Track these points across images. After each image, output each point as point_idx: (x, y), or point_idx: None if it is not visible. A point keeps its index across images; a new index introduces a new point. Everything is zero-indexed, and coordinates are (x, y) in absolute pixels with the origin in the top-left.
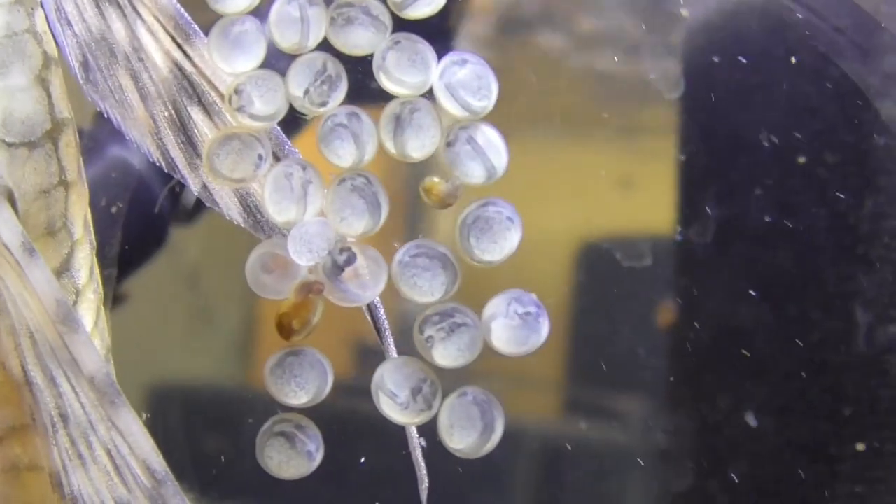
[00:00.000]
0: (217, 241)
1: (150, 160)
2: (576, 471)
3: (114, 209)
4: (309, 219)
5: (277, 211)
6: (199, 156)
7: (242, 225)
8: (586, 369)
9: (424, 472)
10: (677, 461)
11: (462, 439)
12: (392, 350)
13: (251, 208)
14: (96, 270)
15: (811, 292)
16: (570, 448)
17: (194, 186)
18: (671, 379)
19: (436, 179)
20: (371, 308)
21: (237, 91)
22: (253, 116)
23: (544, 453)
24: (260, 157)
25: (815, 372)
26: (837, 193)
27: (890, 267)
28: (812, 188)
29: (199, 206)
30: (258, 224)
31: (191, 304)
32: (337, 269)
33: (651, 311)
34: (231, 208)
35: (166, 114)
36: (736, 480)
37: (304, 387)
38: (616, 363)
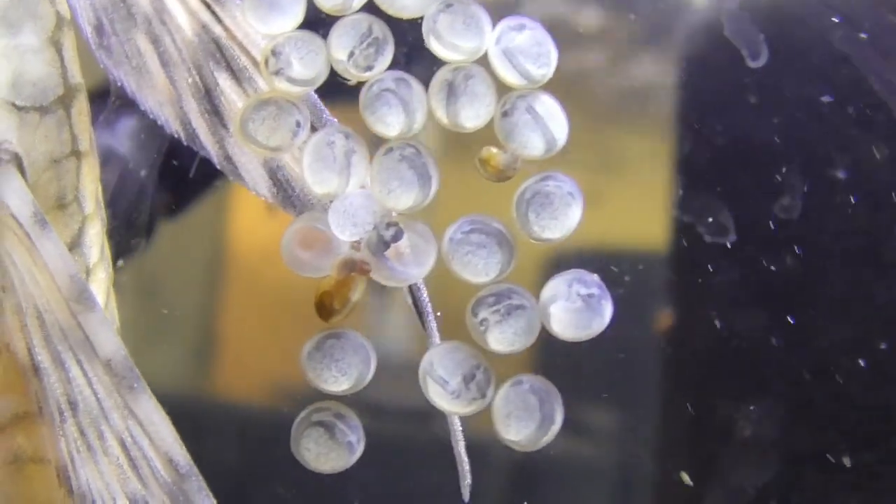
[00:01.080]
0: (178, 247)
1: (168, 131)
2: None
3: (143, 173)
4: (352, 191)
5: (317, 182)
6: (224, 126)
7: (270, 200)
8: (573, 379)
9: (467, 467)
10: (677, 471)
11: (520, 431)
12: (435, 335)
13: (281, 182)
14: (107, 249)
15: (819, 297)
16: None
17: (217, 158)
18: (669, 388)
19: (493, 150)
20: (413, 290)
21: (275, 53)
22: (291, 80)
23: (520, 468)
24: (298, 124)
25: (821, 379)
26: (848, 197)
27: None
28: (822, 191)
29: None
30: (289, 199)
31: (151, 310)
32: (383, 245)
33: (644, 320)
34: (258, 182)
35: (189, 80)
36: (738, 490)
37: (345, 372)
38: (607, 373)
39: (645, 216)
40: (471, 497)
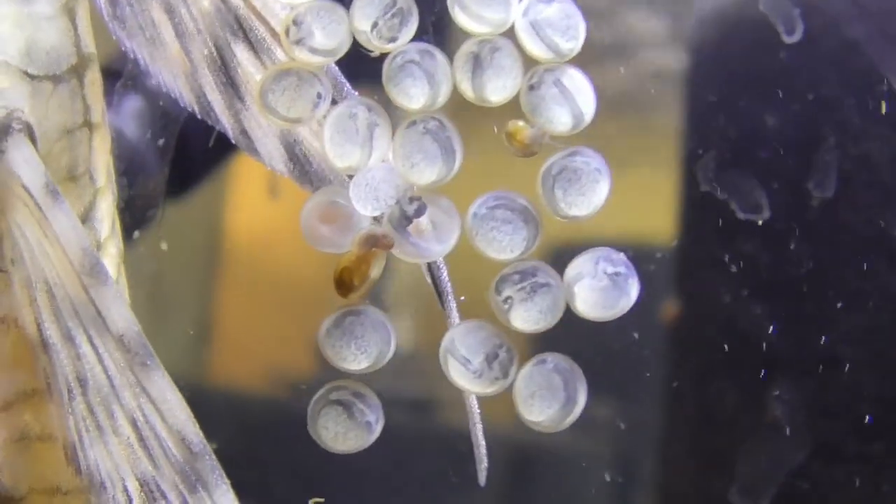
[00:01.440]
0: (179, 232)
1: (182, 104)
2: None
3: (160, 143)
4: (374, 164)
5: (339, 155)
6: (240, 99)
7: (287, 175)
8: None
9: (484, 450)
10: (685, 468)
11: (543, 411)
12: (455, 315)
13: (298, 157)
14: (118, 224)
15: (832, 288)
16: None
17: (232, 132)
18: (675, 378)
19: (521, 123)
20: (433, 268)
21: (296, 22)
22: (313, 50)
23: (516, 460)
24: (319, 95)
25: (834, 371)
26: (860, 186)
27: None
28: (833, 180)
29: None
30: (305, 175)
31: (150, 296)
32: (406, 220)
33: (651, 309)
34: (274, 157)
35: (205, 52)
36: (744, 481)
37: (365, 350)
38: (613, 363)
39: (657, 202)
40: (468, 487)
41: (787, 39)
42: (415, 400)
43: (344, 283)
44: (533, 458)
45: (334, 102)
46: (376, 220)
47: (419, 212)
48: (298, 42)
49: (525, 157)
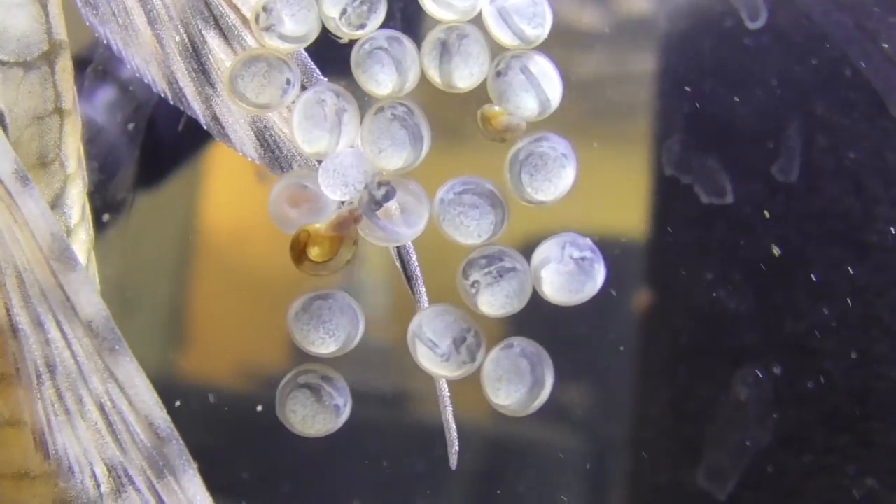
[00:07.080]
0: (152, 225)
1: (154, 90)
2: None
3: (131, 127)
4: (343, 150)
5: (307, 140)
6: (211, 85)
7: (257, 161)
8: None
9: (455, 434)
10: (655, 453)
11: (510, 395)
12: (423, 299)
13: (269, 143)
14: (88, 210)
15: (800, 279)
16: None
17: (203, 118)
18: (645, 363)
19: (497, 108)
20: (402, 252)
21: (266, 9)
22: (282, 37)
23: (490, 451)
24: (288, 81)
25: (802, 361)
26: (829, 175)
27: (882, 253)
28: (802, 172)
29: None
30: (275, 160)
31: (119, 288)
32: (374, 205)
33: (618, 294)
34: (245, 143)
35: (177, 38)
36: (717, 473)
37: (333, 334)
38: (581, 347)
39: (624, 188)
40: (440, 472)
41: (751, 25)
42: (387, 386)
43: (297, 247)
44: (503, 443)
45: (303, 88)
46: (345, 204)
47: (388, 196)
48: (268, 28)
49: (496, 141)
